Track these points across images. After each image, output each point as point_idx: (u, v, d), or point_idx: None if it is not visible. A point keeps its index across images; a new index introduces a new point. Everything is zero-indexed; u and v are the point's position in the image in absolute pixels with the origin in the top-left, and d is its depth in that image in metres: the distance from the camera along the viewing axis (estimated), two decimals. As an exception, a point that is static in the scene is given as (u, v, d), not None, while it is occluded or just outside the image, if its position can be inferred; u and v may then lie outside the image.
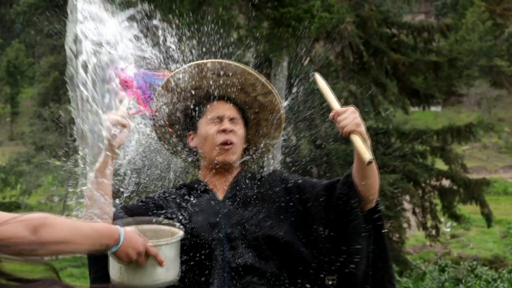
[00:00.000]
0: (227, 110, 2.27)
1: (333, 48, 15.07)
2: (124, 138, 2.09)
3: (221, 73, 2.27)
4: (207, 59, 2.34)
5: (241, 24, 12.30)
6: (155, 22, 2.38)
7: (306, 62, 15.92)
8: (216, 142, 2.23)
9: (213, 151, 2.24)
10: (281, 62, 13.01)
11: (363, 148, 1.96)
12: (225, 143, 2.23)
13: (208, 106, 2.28)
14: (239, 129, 2.27)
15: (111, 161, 2.05)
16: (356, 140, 1.99)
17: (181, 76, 2.29)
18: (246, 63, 14.08)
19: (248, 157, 2.42)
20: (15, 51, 43.25)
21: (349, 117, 2.03)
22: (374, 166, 2.02)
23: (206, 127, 2.26)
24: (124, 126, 2.06)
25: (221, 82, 2.28)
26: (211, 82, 2.29)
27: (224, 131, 2.23)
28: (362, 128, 2.02)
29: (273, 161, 12.84)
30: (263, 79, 2.28)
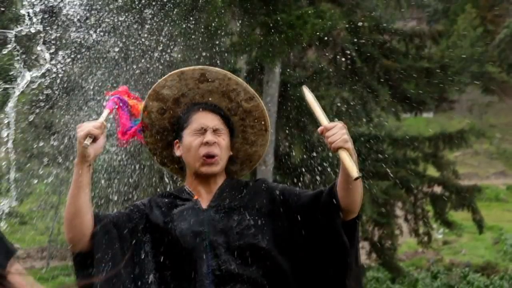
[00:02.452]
0: (211, 121, 2.29)
1: (325, 54, 15.10)
2: (99, 149, 2.10)
3: (203, 79, 2.29)
4: (199, 65, 2.36)
5: (234, 30, 12.32)
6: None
7: (299, 68, 15.96)
8: (199, 154, 2.26)
9: (196, 163, 2.28)
10: (273, 68, 13.02)
11: (351, 165, 2.02)
12: (207, 155, 2.24)
13: (192, 116, 2.30)
14: (223, 140, 2.29)
15: (87, 172, 2.06)
16: (344, 156, 2.05)
17: (167, 84, 2.31)
18: (239, 70, 14.20)
19: (237, 167, 2.43)
20: (8, 57, 43.17)
21: (338, 133, 2.07)
22: (359, 181, 2.07)
23: (190, 138, 2.29)
24: (96, 137, 2.06)
25: (203, 88, 2.30)
26: (194, 89, 2.31)
27: (207, 143, 2.24)
28: (350, 145, 2.07)
29: (265, 168, 12.84)
30: (244, 84, 2.31)
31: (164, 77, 2.32)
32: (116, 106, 2.31)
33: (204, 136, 2.27)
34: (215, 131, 2.28)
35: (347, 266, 2.21)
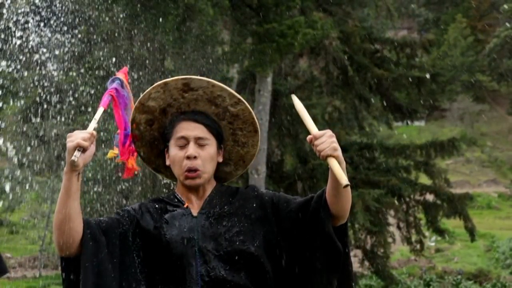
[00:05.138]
0: (193, 130, 2.31)
1: (317, 63, 15.16)
2: (87, 158, 2.12)
3: (187, 88, 2.31)
4: (192, 74, 2.39)
5: (225, 40, 12.36)
6: None
7: (290, 77, 16.01)
8: (183, 168, 2.29)
9: (180, 176, 2.32)
10: (265, 77, 13.07)
11: (341, 172, 2.05)
12: (189, 170, 2.25)
13: (175, 127, 2.33)
14: (206, 153, 2.31)
15: (77, 180, 2.09)
16: (334, 164, 2.07)
17: (151, 96, 2.34)
18: (231, 79, 14.21)
19: (231, 168, 2.46)
20: (-2, 67, 42.98)
21: (327, 141, 2.09)
22: (348, 188, 2.10)
23: (174, 150, 2.32)
24: (85, 149, 2.07)
25: (188, 97, 2.32)
26: (179, 99, 2.33)
27: (188, 158, 2.25)
28: (339, 152, 2.10)
29: (258, 176, 12.86)
30: (229, 89, 2.33)
31: (148, 90, 2.34)
32: (111, 97, 2.32)
33: (187, 149, 2.29)
34: (197, 141, 2.30)
35: (342, 272, 2.23)
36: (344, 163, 2.10)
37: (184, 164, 2.28)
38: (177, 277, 2.18)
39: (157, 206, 2.32)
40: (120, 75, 2.43)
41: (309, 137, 2.14)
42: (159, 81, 2.34)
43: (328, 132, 2.11)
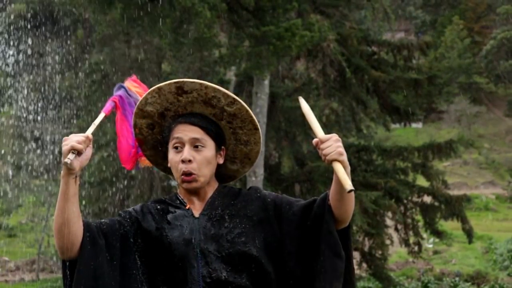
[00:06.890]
0: (188, 133, 2.30)
1: (314, 65, 15.18)
2: (84, 161, 2.12)
3: (181, 91, 2.32)
4: (188, 77, 2.40)
5: (223, 42, 12.36)
6: None
7: (288, 80, 16.02)
8: (179, 172, 2.29)
9: (178, 179, 2.32)
10: (262, 80, 13.08)
11: (345, 177, 2.05)
12: (185, 174, 2.26)
13: (172, 130, 2.34)
14: (202, 155, 2.30)
15: (74, 184, 2.09)
16: (338, 168, 2.07)
17: (148, 102, 2.35)
18: (228, 81, 14.20)
19: (237, 165, 2.46)
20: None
21: (332, 145, 2.09)
22: (352, 193, 2.10)
23: (171, 154, 2.32)
24: (79, 152, 2.08)
25: (183, 100, 2.32)
26: (175, 102, 2.34)
27: (183, 161, 2.25)
28: (344, 157, 2.10)
29: (255, 179, 12.87)
30: (222, 90, 2.33)
31: (144, 95, 2.36)
32: (114, 104, 2.33)
33: (182, 152, 2.29)
34: (193, 143, 2.30)
35: (343, 276, 2.23)
36: (348, 168, 2.10)
37: (180, 168, 2.28)
38: (178, 278, 2.19)
39: (158, 207, 2.33)
40: (127, 82, 2.44)
41: (315, 140, 2.13)
42: (154, 86, 2.35)
43: (334, 136, 2.11)
